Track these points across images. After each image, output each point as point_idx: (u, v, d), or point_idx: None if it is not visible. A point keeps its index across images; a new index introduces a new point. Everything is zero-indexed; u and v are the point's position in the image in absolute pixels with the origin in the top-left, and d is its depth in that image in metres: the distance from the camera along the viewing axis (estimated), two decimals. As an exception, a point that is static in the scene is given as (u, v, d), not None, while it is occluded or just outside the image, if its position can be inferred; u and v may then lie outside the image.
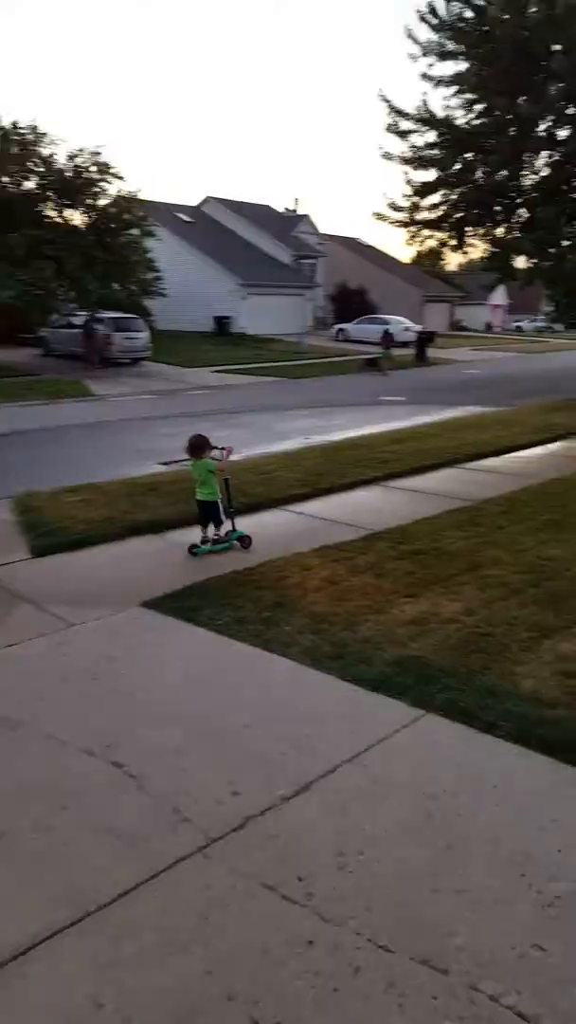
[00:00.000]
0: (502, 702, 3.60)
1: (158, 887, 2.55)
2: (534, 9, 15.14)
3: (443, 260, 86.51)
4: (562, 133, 18.60)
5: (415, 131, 20.37)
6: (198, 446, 6.33)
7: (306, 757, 3.27)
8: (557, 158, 18.52)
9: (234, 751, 3.38)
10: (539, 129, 18.65)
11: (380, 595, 5.20)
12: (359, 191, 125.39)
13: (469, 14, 18.73)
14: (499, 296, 75.88)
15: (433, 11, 19.39)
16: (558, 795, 2.95)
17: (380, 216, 21.22)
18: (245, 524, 6.71)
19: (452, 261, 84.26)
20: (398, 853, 2.64)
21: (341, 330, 41.96)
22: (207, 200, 46.43)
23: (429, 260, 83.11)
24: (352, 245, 55.86)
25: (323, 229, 51.93)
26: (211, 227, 43.46)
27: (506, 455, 11.11)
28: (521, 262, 20.76)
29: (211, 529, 6.44)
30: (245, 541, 6.45)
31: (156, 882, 2.57)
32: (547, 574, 5.60)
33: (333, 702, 3.79)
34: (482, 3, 17.95)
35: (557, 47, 15.39)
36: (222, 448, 6.47)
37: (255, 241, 44.26)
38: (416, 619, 4.73)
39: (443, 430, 13.22)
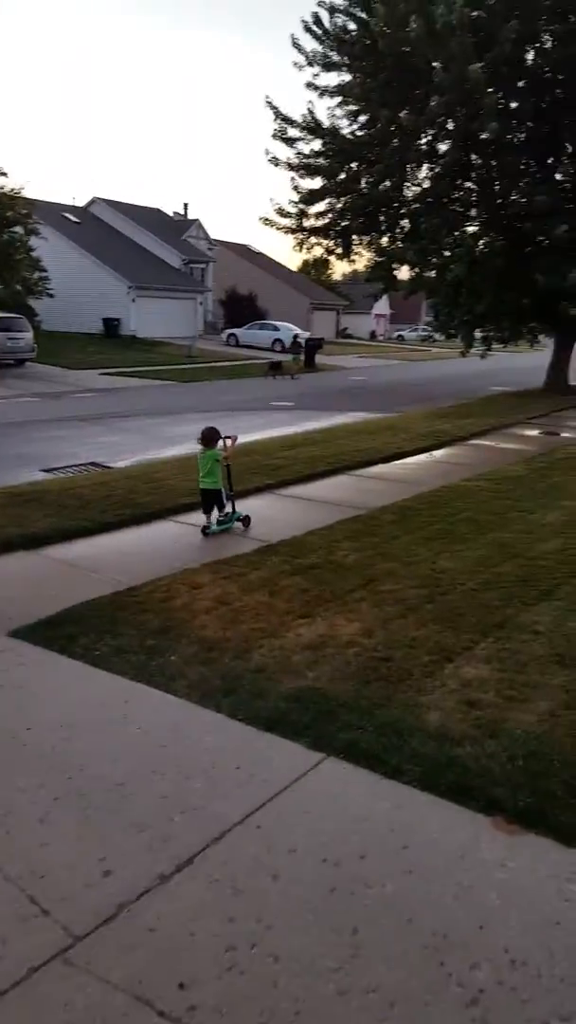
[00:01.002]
0: (407, 740, 3.28)
1: (2, 1013, 2.03)
2: (415, 25, 15.33)
3: (329, 269, 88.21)
4: (443, 146, 19.05)
5: (301, 139, 20.36)
6: (211, 437, 6.95)
7: (192, 821, 2.82)
8: (438, 171, 18.94)
9: (108, 815, 2.88)
10: (421, 142, 19.03)
11: (274, 616, 4.81)
12: (250, 197, 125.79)
13: (353, 26, 18.89)
14: (382, 306, 78.15)
15: (318, 22, 19.43)
16: (473, 855, 2.64)
17: (268, 221, 21.05)
18: (130, 537, 6.20)
19: (338, 270, 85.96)
20: (298, 942, 2.23)
21: (232, 335, 41.75)
22: (94, 201, 44.99)
23: (316, 269, 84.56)
24: (242, 251, 55.79)
25: (214, 235, 51.54)
26: (99, 228, 42.11)
27: (395, 461, 11.07)
28: (405, 272, 21.18)
29: (215, 514, 6.99)
30: (246, 521, 7.13)
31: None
32: (441, 588, 5.40)
33: (224, 748, 3.35)
34: (364, 16, 18.11)
35: (436, 64, 15.66)
36: (227, 437, 7.07)
37: (144, 244, 43.27)
38: (313, 643, 4.37)
39: (333, 436, 13.09)
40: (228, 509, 7.07)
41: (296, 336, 31.71)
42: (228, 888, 2.46)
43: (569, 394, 20.64)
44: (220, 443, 7.01)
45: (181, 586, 5.38)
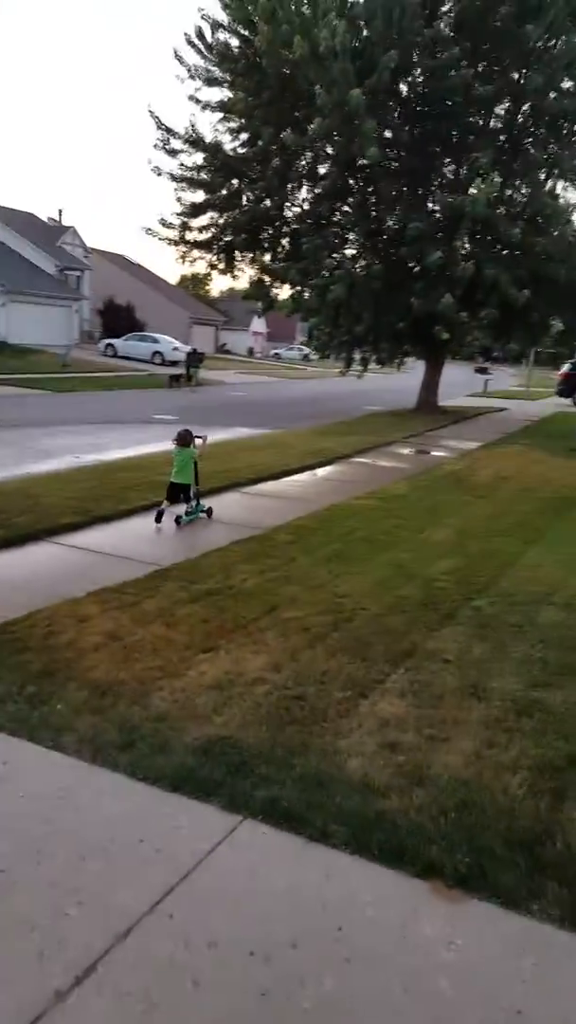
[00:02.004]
0: (331, 795, 2.99)
1: None
2: (298, 46, 15.44)
3: (207, 286, 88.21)
4: (323, 168, 19.33)
5: (184, 151, 20.05)
6: (186, 439, 8.00)
7: (91, 914, 2.38)
8: (319, 192, 19.17)
9: (-16, 914, 2.39)
10: (302, 162, 19.22)
11: (173, 651, 4.41)
12: (129, 208, 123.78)
13: (236, 43, 18.82)
14: (259, 324, 79.09)
15: (201, 36, 19.24)
16: (417, 932, 2.36)
17: (150, 232, 20.55)
18: (2, 562, 5.56)
19: (215, 287, 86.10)
20: (232, 1070, 1.87)
21: (110, 345, 40.66)
22: (-40, 200, 42.46)
23: (194, 284, 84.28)
24: (120, 261, 54.63)
25: (91, 243, 50.07)
26: (-35, 228, 39.77)
27: (284, 479, 10.90)
28: (286, 291, 21.29)
29: (181, 507, 7.91)
30: (209, 513, 8.13)
31: None
32: (345, 614, 5.19)
33: (124, 816, 2.92)
34: (247, 34, 18.09)
35: (318, 87, 15.85)
36: (198, 437, 8.13)
37: (16, 247, 41.22)
38: (218, 682, 4.00)
39: (220, 452, 12.73)
40: (194, 502, 8.05)
41: (195, 349, 31.64)
42: (141, 1003, 2.05)
43: (439, 413, 21.45)
44: (195, 443, 8.04)
45: (66, 619, 4.86)
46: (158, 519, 7.63)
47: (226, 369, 40.78)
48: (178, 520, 7.79)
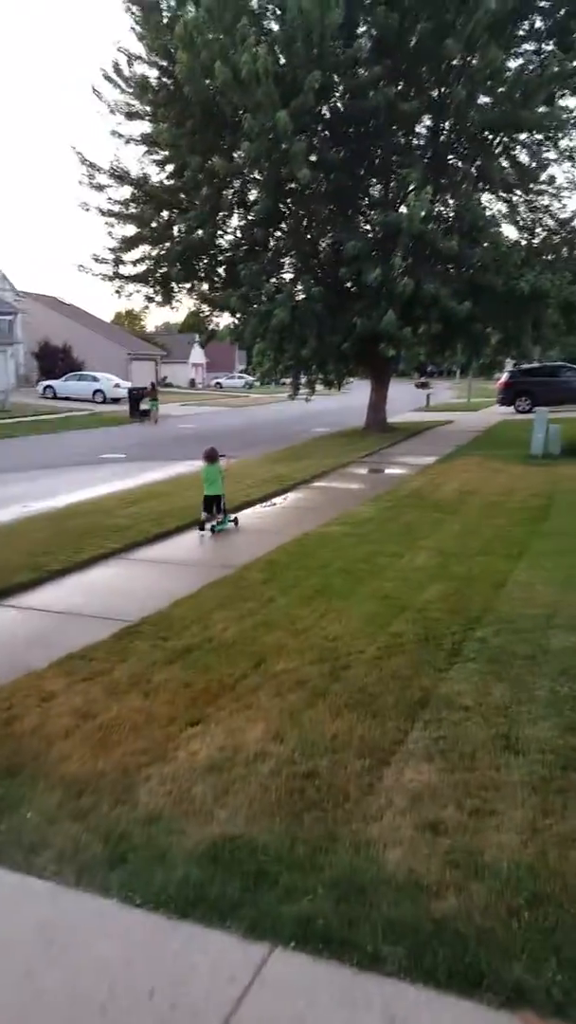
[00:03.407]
0: (375, 902, 2.47)
1: None
2: (220, 72, 15.24)
3: (142, 321, 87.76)
4: (254, 194, 19.13)
5: (110, 186, 19.67)
6: (214, 455, 8.97)
7: None
8: (252, 218, 18.95)
9: None
10: (232, 189, 19.00)
11: (156, 728, 3.84)
12: (60, 247, 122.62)
13: (155, 74, 18.59)
14: (198, 355, 79.10)
15: (118, 70, 18.95)
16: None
17: (83, 268, 20.01)
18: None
19: (150, 322, 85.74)
20: None
21: (49, 387, 39.83)
22: None
23: (129, 320, 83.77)
24: (52, 303, 53.84)
25: (20, 287, 49.11)
26: None
27: (246, 510, 10.40)
28: (226, 319, 20.99)
29: (215, 517, 8.83)
30: (236, 522, 9.19)
31: None
32: (340, 661, 4.70)
33: (125, 958, 2.35)
34: (165, 64, 17.87)
35: (244, 112, 15.68)
36: (224, 456, 9.28)
37: (-58, 292, 40.14)
38: (214, 763, 3.45)
39: (176, 488, 12.22)
40: (221, 515, 8.93)
41: (153, 383, 31.52)
42: None
43: (388, 431, 21.31)
44: (222, 461, 9.12)
45: (27, 698, 4.25)
46: (201, 528, 8.80)
47: (170, 402, 40.15)
48: (213, 529, 8.79)
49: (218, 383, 73.25)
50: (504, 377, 32.47)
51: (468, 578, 6.54)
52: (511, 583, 6.30)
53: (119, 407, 34.53)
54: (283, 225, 19.84)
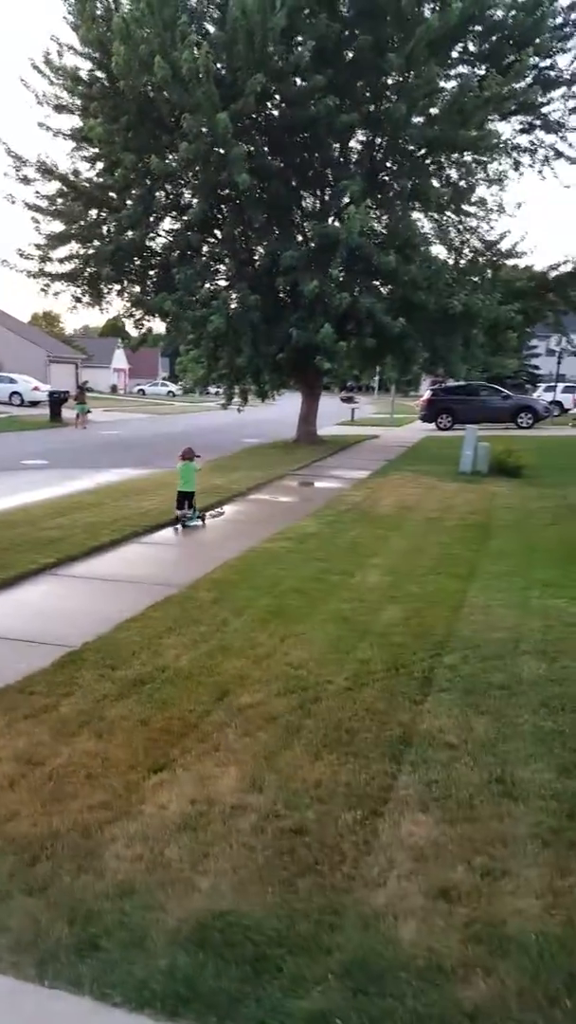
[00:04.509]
0: (397, 996, 2.16)
1: None
2: (159, 68, 14.80)
3: (59, 323, 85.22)
4: (188, 195, 18.71)
5: (38, 179, 18.83)
6: (189, 455, 9.77)
7: None
8: (187, 220, 18.51)
9: None
10: (165, 191, 18.52)
11: (116, 776, 3.42)
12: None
13: (88, 67, 17.95)
14: (120, 360, 77.48)
15: (48, 61, 18.21)
16: None
17: (6, 263, 19.05)
18: None
19: (68, 325, 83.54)
20: None
21: (-40, 388, 37.87)
22: None
23: (47, 321, 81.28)
24: (-38, 298, 51.47)
25: None
26: None
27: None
28: (155, 324, 20.43)
29: (187, 512, 9.52)
30: (204, 518, 9.85)
31: None
32: (309, 692, 4.39)
33: None
34: (98, 56, 17.25)
35: (183, 111, 15.28)
36: (198, 456, 10.00)
37: None
38: (187, 818, 3.07)
39: (108, 497, 11.66)
40: (190, 510, 9.60)
41: (81, 387, 30.29)
42: None
43: (319, 444, 21.26)
44: (197, 460, 9.84)
45: (-41, 741, 3.74)
46: (176, 526, 9.42)
47: (93, 408, 38.97)
48: (181, 521, 9.42)
49: (141, 390, 71.92)
50: (426, 395, 33.17)
51: (423, 599, 6.36)
52: (468, 605, 6.16)
53: (38, 411, 33.23)
54: (217, 232, 19.50)
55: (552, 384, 41.20)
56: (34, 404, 36.03)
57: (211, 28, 17.13)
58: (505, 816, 3.06)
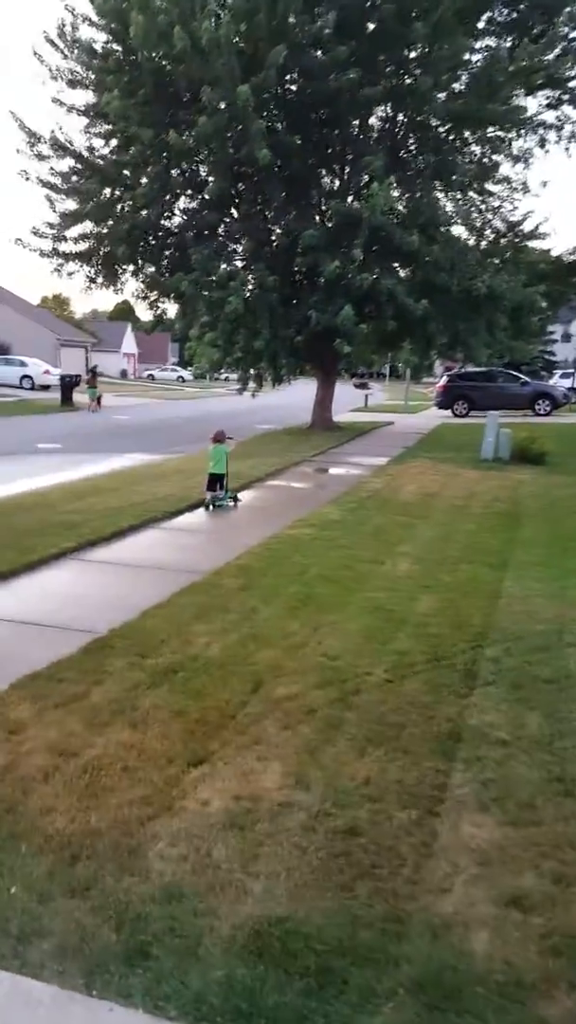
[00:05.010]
0: (477, 1013, 2.00)
1: None
2: (178, 38, 14.44)
3: (69, 306, 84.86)
4: (204, 171, 18.36)
5: (51, 156, 18.53)
6: (221, 438, 9.78)
7: None
8: (205, 197, 18.17)
9: None
10: (182, 168, 18.18)
11: (154, 768, 3.27)
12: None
13: (104, 38, 17.58)
14: (130, 344, 77.12)
15: (62, 34, 17.86)
16: None
17: (20, 242, 18.80)
18: None
19: (78, 308, 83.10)
20: None
21: (-30, 370, 37.76)
22: None
23: (57, 305, 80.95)
24: (-27, 283, 51.27)
25: None
26: None
27: (200, 510, 9.81)
28: (173, 307, 20.13)
29: (219, 493, 9.57)
30: (236, 500, 9.90)
31: None
32: (348, 684, 4.22)
33: None
34: (115, 26, 16.87)
35: (204, 84, 14.92)
36: (230, 438, 10.12)
37: None
38: (232, 816, 2.92)
39: (124, 482, 11.49)
40: (222, 492, 9.65)
41: (93, 370, 30.27)
42: None
43: (335, 430, 21.00)
44: (229, 442, 9.96)
45: (-12, 730, 3.60)
46: (207, 507, 9.46)
47: (104, 392, 38.83)
48: (209, 504, 9.45)
49: (151, 375, 71.65)
50: (442, 381, 32.79)
51: (458, 589, 6.17)
52: (506, 596, 5.97)
53: (49, 395, 33.09)
54: (233, 212, 19.18)
55: (569, 371, 40.75)
56: (45, 388, 35.88)
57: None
58: (571, 818, 2.89)
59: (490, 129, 16.98)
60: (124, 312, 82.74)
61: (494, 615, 5.46)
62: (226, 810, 2.96)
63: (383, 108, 17.79)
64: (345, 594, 5.99)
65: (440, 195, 18.82)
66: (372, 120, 18.26)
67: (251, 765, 3.30)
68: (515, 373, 30.26)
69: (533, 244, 20.39)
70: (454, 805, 2.99)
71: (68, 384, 28.99)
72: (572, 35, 16.84)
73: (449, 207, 18.74)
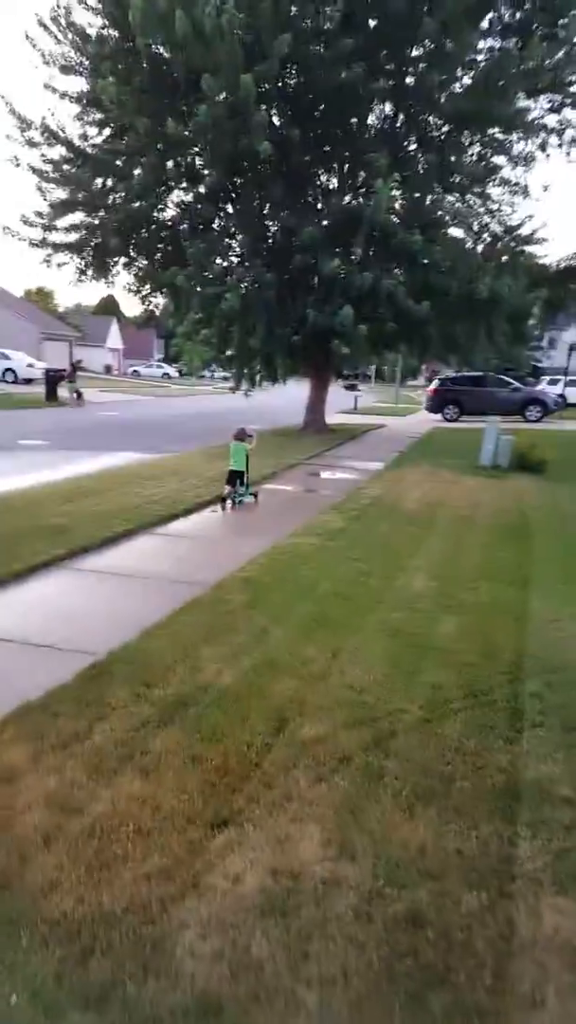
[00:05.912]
0: None
1: None
2: (179, 24, 13.94)
3: (53, 300, 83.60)
4: (200, 163, 17.86)
5: (42, 143, 17.94)
6: (242, 435, 9.81)
7: None
8: (202, 191, 17.66)
9: None
10: (178, 158, 17.67)
11: (172, 831, 2.82)
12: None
13: (100, 22, 17.04)
14: (115, 339, 76.16)
15: (56, 18, 17.29)
16: None
17: (8, 230, 18.16)
18: None
19: (61, 302, 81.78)
20: None
21: (-48, 361, 36.92)
22: None
23: (40, 298, 79.75)
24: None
25: None
26: None
27: (196, 514, 9.35)
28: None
29: (238, 489, 9.59)
30: (256, 497, 10.07)
31: None
32: (382, 724, 3.78)
33: None
34: (112, 11, 16.33)
35: (204, 71, 14.43)
36: (250, 436, 9.95)
37: None
38: (270, 895, 2.48)
39: (115, 483, 10.98)
40: (242, 488, 9.70)
41: (74, 364, 29.61)
42: None
43: (327, 432, 20.62)
44: (248, 438, 9.81)
45: (-22, 776, 3.12)
46: (223, 505, 9.44)
47: (87, 387, 38.13)
48: (233, 502, 9.53)
49: (135, 371, 70.83)
50: (433, 384, 32.54)
51: (481, 610, 5.77)
52: (535, 619, 5.58)
53: (33, 388, 32.39)
54: (228, 207, 18.69)
55: (556, 377, 40.72)
56: (28, 381, 35.17)
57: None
58: None
59: (493, 131, 16.65)
60: (109, 307, 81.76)
61: (526, 642, 5.06)
62: (262, 889, 2.51)
63: (384, 106, 17.40)
64: (361, 614, 5.57)
65: (448, 195, 18.51)
66: (371, 119, 17.86)
67: (285, 829, 2.86)
68: (506, 378, 30.07)
69: (531, 249, 20.14)
70: (528, 884, 2.57)
71: (53, 378, 28.34)
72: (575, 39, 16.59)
73: (449, 208, 18.41)
